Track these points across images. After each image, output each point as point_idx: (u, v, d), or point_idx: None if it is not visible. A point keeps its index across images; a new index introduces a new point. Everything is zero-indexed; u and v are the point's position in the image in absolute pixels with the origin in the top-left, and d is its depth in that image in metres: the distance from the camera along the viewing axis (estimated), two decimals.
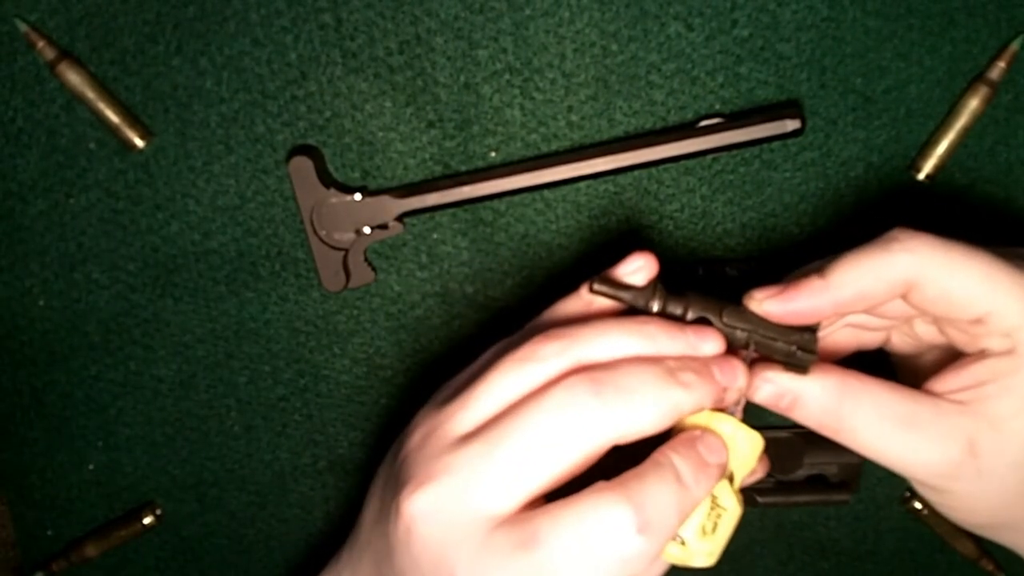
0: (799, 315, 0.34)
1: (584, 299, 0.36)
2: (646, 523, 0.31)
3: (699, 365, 0.34)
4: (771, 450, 0.47)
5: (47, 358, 0.47)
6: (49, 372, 0.47)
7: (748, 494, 0.46)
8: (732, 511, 0.34)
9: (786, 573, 0.51)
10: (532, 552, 0.31)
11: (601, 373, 0.32)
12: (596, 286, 0.35)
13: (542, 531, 0.31)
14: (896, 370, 0.39)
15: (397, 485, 0.33)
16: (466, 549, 0.31)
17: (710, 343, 0.34)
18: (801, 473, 0.47)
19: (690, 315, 0.35)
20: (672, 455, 0.33)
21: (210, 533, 0.50)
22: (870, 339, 0.38)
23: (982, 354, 0.33)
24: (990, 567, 0.49)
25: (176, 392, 0.47)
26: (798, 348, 0.35)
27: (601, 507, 0.31)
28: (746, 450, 0.35)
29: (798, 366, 0.35)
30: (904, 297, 0.34)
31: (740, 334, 0.35)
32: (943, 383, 0.34)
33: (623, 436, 0.32)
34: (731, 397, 0.34)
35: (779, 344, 0.35)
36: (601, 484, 0.32)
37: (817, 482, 0.47)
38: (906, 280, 0.33)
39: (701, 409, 0.34)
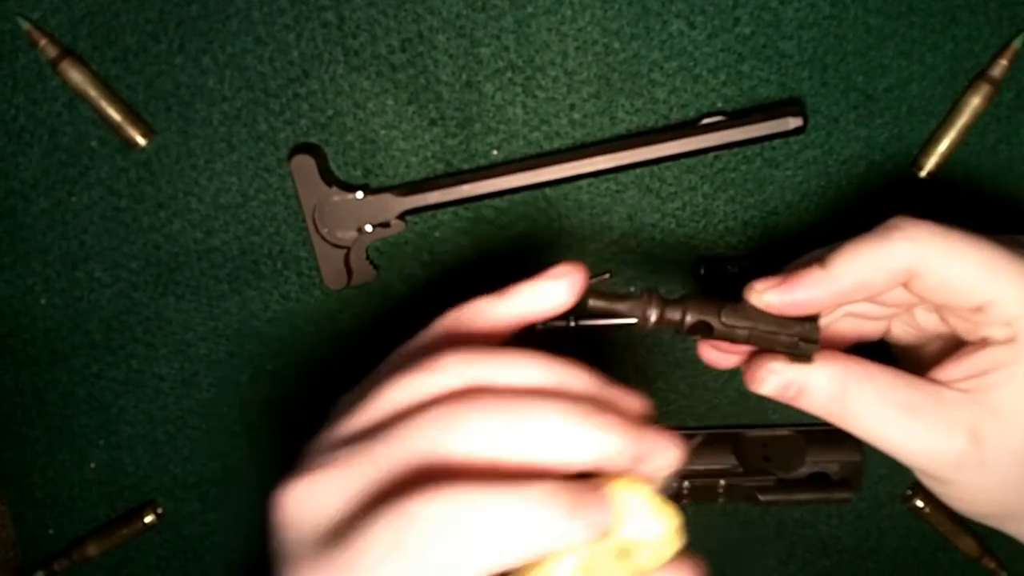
0: (800, 306, 0.34)
1: (501, 306, 0.35)
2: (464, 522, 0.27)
3: (620, 418, 0.30)
4: (773, 448, 0.48)
5: (49, 356, 0.47)
6: (51, 370, 0.47)
7: (750, 492, 0.46)
8: None
9: (788, 571, 0.51)
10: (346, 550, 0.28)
11: (502, 394, 0.30)
12: (592, 302, 0.35)
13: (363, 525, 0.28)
14: (898, 361, 0.39)
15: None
16: (314, 552, 0.29)
17: (635, 400, 0.32)
18: (803, 471, 0.47)
19: (689, 318, 0.35)
20: (544, 485, 0.28)
21: (211, 532, 0.50)
22: (871, 329, 0.38)
23: (984, 342, 0.33)
24: (991, 565, 0.49)
25: (178, 391, 0.47)
26: (800, 339, 0.34)
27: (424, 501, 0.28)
28: (654, 531, 0.31)
29: (802, 356, 0.35)
30: (905, 285, 0.34)
31: (740, 332, 0.35)
32: (946, 372, 0.34)
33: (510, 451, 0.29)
34: (652, 467, 0.31)
35: (781, 337, 0.35)
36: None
37: (819, 480, 0.47)
38: (907, 268, 0.33)
39: (611, 466, 0.30)
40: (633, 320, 0.35)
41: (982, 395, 0.33)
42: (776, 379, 0.35)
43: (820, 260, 0.34)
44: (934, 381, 0.34)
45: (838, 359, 0.34)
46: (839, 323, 0.38)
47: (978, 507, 0.35)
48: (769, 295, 0.34)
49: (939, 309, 0.35)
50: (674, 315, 0.35)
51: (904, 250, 0.33)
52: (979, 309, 0.33)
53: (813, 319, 0.35)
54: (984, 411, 0.33)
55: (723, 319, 0.35)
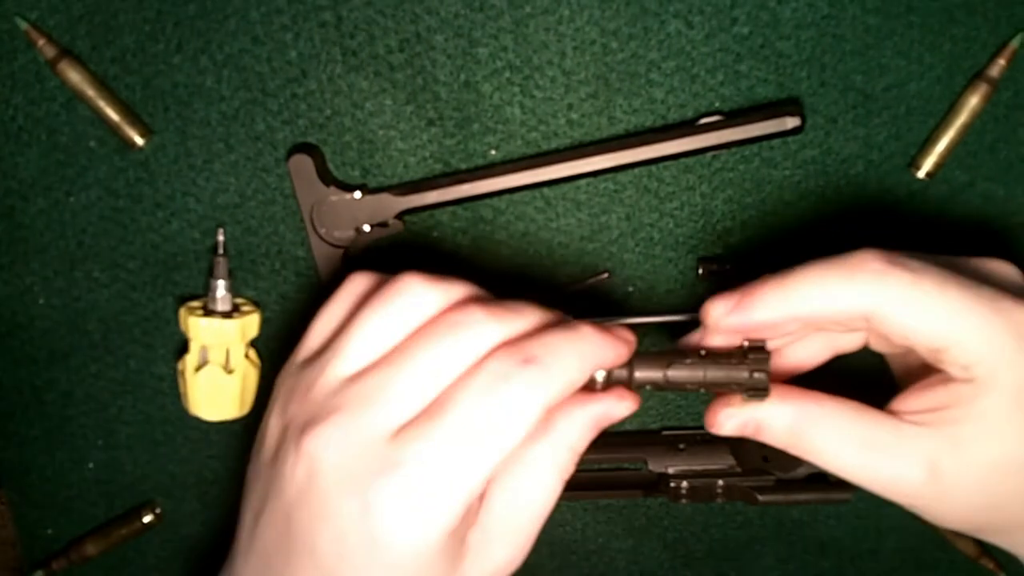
0: (757, 328, 0.34)
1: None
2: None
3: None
4: (771, 449, 0.47)
5: (47, 356, 0.47)
6: (49, 370, 0.47)
7: (748, 493, 0.46)
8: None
9: (786, 571, 0.51)
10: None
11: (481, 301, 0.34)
12: None
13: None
14: (888, 363, 0.39)
15: (282, 448, 0.34)
16: (373, 465, 0.31)
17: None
18: (801, 471, 0.46)
19: (637, 375, 0.35)
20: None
21: (210, 532, 0.50)
22: (846, 344, 0.38)
23: (945, 377, 0.33)
24: (990, 565, 0.49)
25: (176, 390, 0.47)
26: (751, 372, 0.35)
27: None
28: None
29: (757, 390, 0.35)
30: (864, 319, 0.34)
31: (691, 386, 0.35)
32: (906, 403, 0.34)
33: (506, 336, 0.33)
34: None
35: (732, 376, 0.35)
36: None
37: (818, 481, 0.46)
38: (865, 312, 0.33)
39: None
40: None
41: (942, 428, 0.33)
42: (733, 422, 0.35)
43: (777, 280, 0.34)
44: (893, 413, 0.34)
45: (794, 397, 0.35)
46: (810, 342, 0.38)
47: (946, 524, 0.35)
48: (727, 320, 0.34)
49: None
50: (621, 374, 0.35)
51: (866, 292, 0.33)
52: (937, 351, 0.33)
53: (761, 347, 0.35)
54: (943, 444, 0.33)
55: (670, 376, 0.35)
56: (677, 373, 0.35)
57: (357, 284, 0.37)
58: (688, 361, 0.35)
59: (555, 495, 0.34)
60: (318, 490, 0.32)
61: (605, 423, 0.35)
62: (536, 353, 0.32)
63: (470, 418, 0.31)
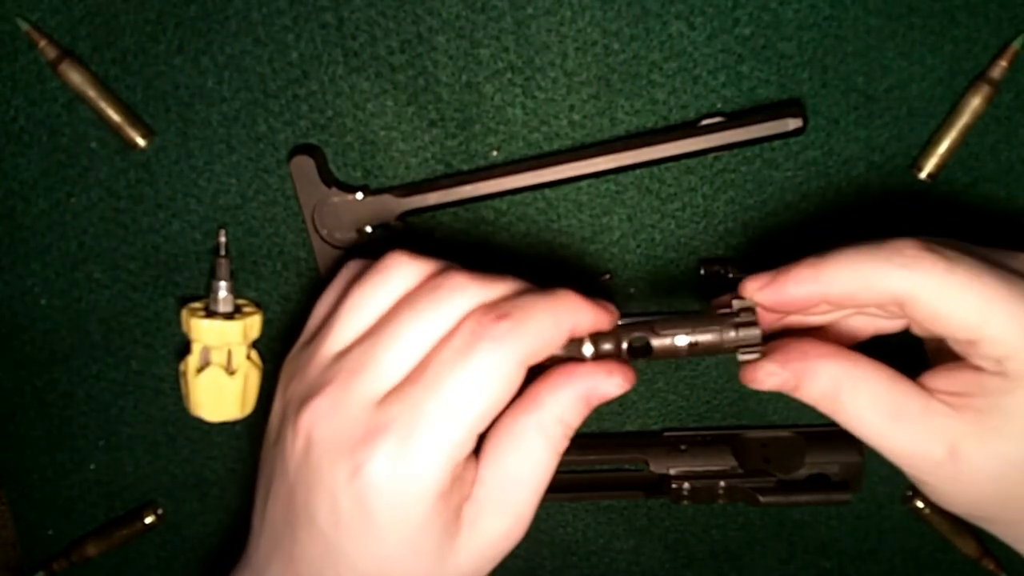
0: (788, 303, 0.35)
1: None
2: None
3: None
4: (772, 449, 0.48)
5: (48, 357, 0.47)
6: (50, 371, 0.47)
7: (750, 494, 0.46)
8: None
9: (787, 572, 0.51)
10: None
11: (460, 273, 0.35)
12: None
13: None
14: (925, 349, 0.39)
15: (283, 427, 0.35)
16: (359, 431, 0.32)
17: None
18: (802, 472, 0.46)
19: (625, 343, 0.35)
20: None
21: (211, 533, 0.50)
22: (887, 325, 0.38)
23: (975, 367, 0.33)
24: (991, 566, 0.49)
25: (178, 391, 0.47)
26: (737, 327, 0.35)
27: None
28: None
29: (750, 348, 0.35)
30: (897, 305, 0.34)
31: (680, 342, 0.35)
32: (937, 380, 0.34)
33: (483, 298, 0.34)
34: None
35: (722, 337, 0.35)
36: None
37: (818, 482, 0.47)
38: (898, 296, 0.33)
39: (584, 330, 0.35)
40: (571, 357, 0.36)
41: (967, 414, 0.33)
42: (775, 379, 0.35)
43: (813, 259, 0.34)
44: (926, 387, 0.34)
45: (839, 358, 0.35)
46: (853, 319, 0.38)
47: (952, 507, 0.35)
48: (761, 295, 0.35)
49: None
50: (607, 344, 0.35)
51: (899, 278, 0.33)
52: (969, 343, 0.33)
53: (751, 317, 0.36)
54: (966, 429, 0.33)
55: (659, 332, 0.35)
56: (666, 330, 0.35)
57: (351, 269, 0.38)
58: (676, 327, 0.35)
59: (547, 468, 0.34)
60: (313, 461, 0.33)
61: (595, 397, 0.35)
62: (508, 311, 0.33)
63: (446, 377, 0.32)
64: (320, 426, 0.33)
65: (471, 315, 0.33)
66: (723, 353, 0.36)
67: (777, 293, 0.35)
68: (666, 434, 0.48)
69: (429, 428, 0.32)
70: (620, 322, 0.36)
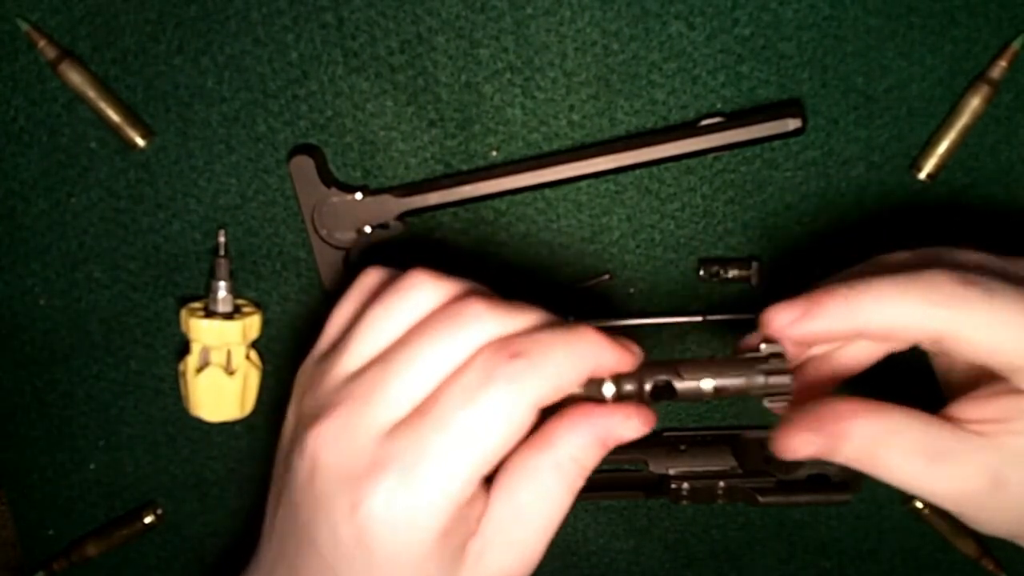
0: (820, 338, 0.34)
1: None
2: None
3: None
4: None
5: (48, 357, 0.47)
6: (50, 371, 0.47)
7: (749, 494, 0.46)
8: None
9: (787, 572, 0.51)
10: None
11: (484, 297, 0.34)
12: None
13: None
14: (932, 360, 0.39)
15: (294, 442, 0.34)
16: (363, 463, 0.32)
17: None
18: (802, 473, 0.46)
19: (647, 385, 0.34)
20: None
21: (211, 533, 0.50)
22: (900, 345, 0.37)
23: (1009, 388, 0.32)
24: (991, 566, 0.49)
25: (177, 391, 0.47)
26: (768, 374, 0.34)
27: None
28: None
29: (779, 395, 0.34)
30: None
31: (706, 386, 0.34)
32: (969, 409, 0.33)
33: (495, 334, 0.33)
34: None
35: (750, 383, 0.34)
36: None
37: (818, 482, 0.46)
38: (936, 333, 0.32)
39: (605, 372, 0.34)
40: (591, 397, 0.34)
41: (1006, 439, 0.32)
42: (810, 449, 0.33)
43: (846, 292, 0.33)
44: (956, 418, 0.33)
45: (870, 414, 0.33)
46: (863, 343, 0.37)
47: (998, 532, 0.34)
48: (791, 330, 0.34)
49: None
50: (630, 385, 0.34)
51: (940, 318, 0.32)
52: (1015, 370, 0.32)
53: (781, 361, 0.34)
54: (1006, 456, 0.32)
55: (684, 376, 0.34)
56: (691, 374, 0.34)
57: (369, 279, 0.37)
58: (702, 370, 0.34)
59: (559, 508, 0.33)
60: (317, 486, 0.32)
61: (612, 439, 0.34)
62: (524, 349, 0.32)
63: (454, 415, 0.31)
64: (326, 452, 0.32)
65: (486, 349, 0.32)
66: (749, 396, 0.34)
67: (808, 327, 0.33)
68: (666, 434, 0.48)
69: (433, 466, 0.31)
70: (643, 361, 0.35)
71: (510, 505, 0.33)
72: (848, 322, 0.33)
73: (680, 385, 0.34)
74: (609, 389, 0.34)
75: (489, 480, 0.33)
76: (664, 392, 0.34)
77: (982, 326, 0.32)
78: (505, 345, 0.32)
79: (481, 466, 0.32)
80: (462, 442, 0.31)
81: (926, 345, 0.35)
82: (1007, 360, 0.32)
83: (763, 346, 0.35)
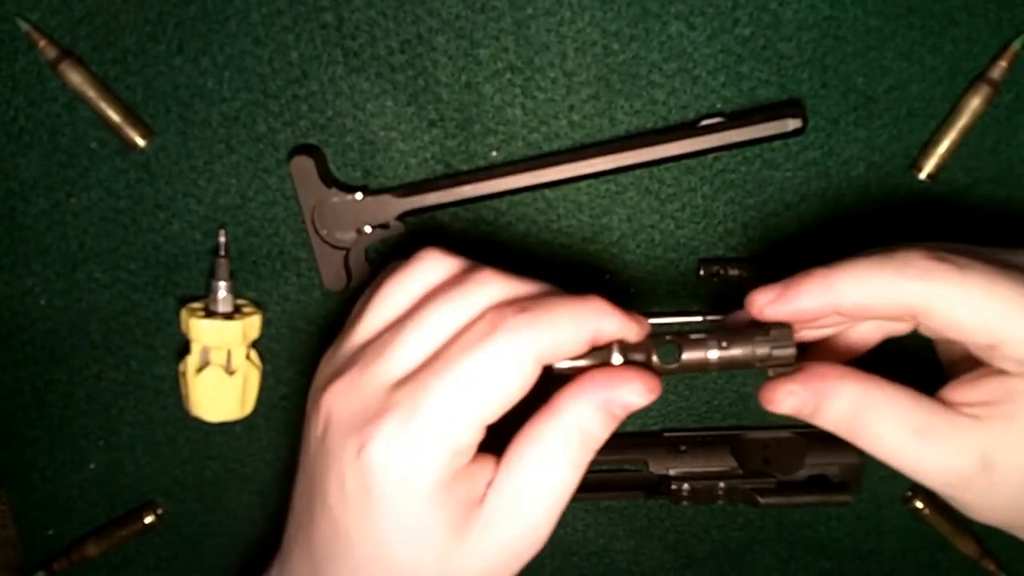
0: (800, 316, 0.34)
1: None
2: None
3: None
4: (772, 450, 0.47)
5: (48, 357, 0.47)
6: (50, 371, 0.47)
7: (749, 495, 0.46)
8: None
9: (787, 573, 0.51)
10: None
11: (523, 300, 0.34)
12: (557, 365, 0.34)
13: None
14: (935, 347, 0.39)
15: (310, 412, 0.35)
16: (371, 411, 0.32)
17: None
18: (802, 473, 0.46)
19: (655, 358, 0.35)
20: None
21: (211, 533, 0.50)
22: (898, 328, 0.38)
23: (998, 371, 0.33)
24: (991, 567, 0.49)
25: (177, 391, 0.47)
26: (772, 345, 0.34)
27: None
28: None
29: (782, 366, 0.35)
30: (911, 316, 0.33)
31: (712, 356, 0.35)
32: (959, 393, 0.34)
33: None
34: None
35: (754, 353, 0.34)
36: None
37: (818, 483, 0.47)
38: (911, 308, 0.33)
39: (615, 337, 0.34)
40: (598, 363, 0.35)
41: (996, 422, 0.32)
42: (793, 400, 0.34)
43: (823, 270, 0.34)
44: (947, 401, 0.33)
45: (858, 379, 0.34)
46: (862, 325, 0.38)
47: (987, 518, 0.34)
48: (771, 309, 0.35)
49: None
50: (638, 355, 0.35)
51: (913, 290, 0.32)
52: (990, 347, 0.32)
53: (786, 332, 0.34)
54: (996, 438, 0.32)
55: (691, 346, 0.35)
56: (696, 353, 0.34)
57: (389, 268, 0.38)
58: (707, 340, 0.35)
59: (563, 479, 0.33)
60: (329, 440, 0.33)
61: (617, 405, 0.34)
62: (529, 305, 0.33)
63: (456, 362, 0.32)
64: (337, 406, 0.33)
65: (492, 307, 0.33)
66: (753, 368, 0.35)
67: (786, 306, 0.34)
68: (666, 434, 0.48)
69: (432, 409, 0.32)
70: (651, 332, 0.35)
71: (517, 475, 0.33)
72: (824, 299, 0.34)
73: (687, 355, 0.35)
74: (617, 359, 0.34)
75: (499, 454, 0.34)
76: (671, 354, 0.35)
77: (956, 301, 0.32)
78: (512, 302, 0.33)
79: (480, 413, 0.32)
80: (462, 388, 0.32)
81: (922, 330, 0.36)
82: (981, 335, 0.32)
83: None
